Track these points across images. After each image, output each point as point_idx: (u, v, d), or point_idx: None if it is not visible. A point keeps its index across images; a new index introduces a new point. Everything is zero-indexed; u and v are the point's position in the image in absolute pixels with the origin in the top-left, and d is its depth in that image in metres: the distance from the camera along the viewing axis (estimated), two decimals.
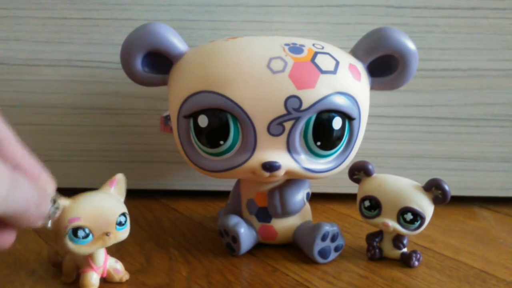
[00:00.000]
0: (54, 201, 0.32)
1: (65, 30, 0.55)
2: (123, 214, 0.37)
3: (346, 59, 0.41)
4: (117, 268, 0.40)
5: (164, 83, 0.44)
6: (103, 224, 0.35)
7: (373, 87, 0.44)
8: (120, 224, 0.36)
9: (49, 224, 0.33)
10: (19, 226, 0.29)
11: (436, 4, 0.54)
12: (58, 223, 0.34)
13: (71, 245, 0.35)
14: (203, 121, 0.40)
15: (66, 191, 0.60)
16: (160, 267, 0.44)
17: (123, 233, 0.37)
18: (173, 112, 0.42)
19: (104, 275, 0.39)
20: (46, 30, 0.55)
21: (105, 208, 0.36)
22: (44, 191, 0.29)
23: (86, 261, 0.38)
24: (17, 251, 0.47)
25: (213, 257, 0.46)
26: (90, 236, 0.35)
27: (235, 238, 0.45)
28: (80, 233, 0.34)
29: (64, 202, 0.34)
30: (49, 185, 0.30)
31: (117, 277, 0.40)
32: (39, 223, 0.31)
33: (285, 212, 0.45)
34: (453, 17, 0.54)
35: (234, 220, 0.45)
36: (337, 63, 0.40)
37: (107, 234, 0.35)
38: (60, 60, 0.56)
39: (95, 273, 0.38)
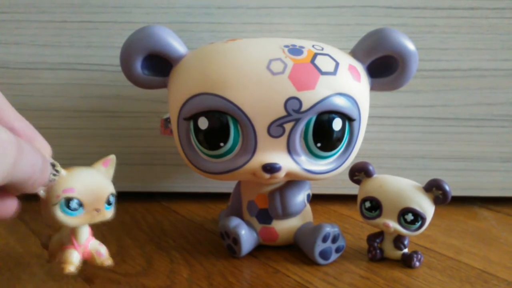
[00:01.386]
0: (53, 166, 0.32)
1: (65, 33, 0.55)
2: (113, 194, 0.37)
3: (346, 60, 0.41)
4: (99, 251, 0.39)
5: (164, 85, 0.44)
6: (95, 200, 0.35)
7: (373, 88, 0.44)
8: (108, 203, 0.36)
9: (42, 191, 0.33)
10: (21, 192, 0.29)
11: (435, 4, 0.54)
12: (49, 191, 0.34)
13: (60, 214, 0.34)
14: (203, 123, 0.40)
15: None
16: (161, 269, 0.44)
17: (109, 213, 0.37)
18: (173, 115, 0.42)
19: (86, 256, 0.39)
20: (45, 34, 0.55)
21: (99, 184, 0.36)
22: (45, 156, 0.29)
23: (69, 238, 0.38)
24: (18, 254, 0.47)
25: (214, 259, 0.46)
26: (81, 209, 0.35)
27: (236, 240, 0.44)
28: (72, 204, 0.34)
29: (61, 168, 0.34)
30: (46, 149, 0.30)
31: (98, 260, 0.39)
32: (40, 189, 0.31)
33: (286, 214, 0.45)
34: (453, 17, 0.54)
35: (235, 222, 0.45)
36: (337, 64, 0.40)
37: (96, 210, 0.35)
38: (60, 64, 0.56)
39: (76, 251, 0.38)
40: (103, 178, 0.37)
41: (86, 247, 0.39)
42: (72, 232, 0.38)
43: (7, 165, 0.24)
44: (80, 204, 0.35)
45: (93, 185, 0.36)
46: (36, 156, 0.27)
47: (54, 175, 0.32)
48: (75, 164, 0.60)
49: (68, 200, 0.34)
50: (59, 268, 0.38)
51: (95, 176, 0.36)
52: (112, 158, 0.39)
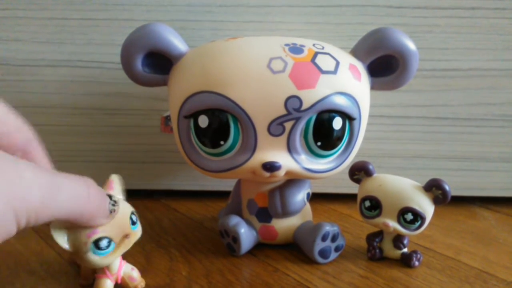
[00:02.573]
0: (110, 197, 0.32)
1: (66, 30, 0.55)
2: (132, 212, 0.36)
3: (347, 59, 0.41)
4: (132, 275, 0.39)
5: (164, 83, 0.44)
6: (121, 229, 0.35)
7: (373, 87, 0.44)
8: (133, 223, 0.36)
9: (66, 245, 0.33)
10: (86, 225, 0.30)
11: (436, 4, 0.54)
12: (74, 242, 0.33)
13: (96, 259, 0.34)
14: (203, 121, 0.40)
15: None
16: (160, 267, 0.44)
17: (138, 231, 0.37)
18: (173, 113, 0.42)
19: (119, 282, 0.38)
20: (46, 31, 0.55)
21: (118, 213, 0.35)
22: (97, 189, 0.29)
23: (101, 267, 0.37)
24: (18, 252, 0.47)
25: (214, 257, 0.46)
26: (112, 244, 0.34)
27: (236, 238, 0.45)
28: (102, 244, 0.33)
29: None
30: (44, 163, 0.31)
31: (131, 285, 0.39)
32: (104, 221, 0.31)
33: (286, 212, 0.45)
34: (454, 17, 0.54)
35: (234, 220, 0.45)
36: (338, 63, 0.40)
37: (126, 236, 0.35)
38: (60, 61, 0.56)
39: (109, 279, 0.37)
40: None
41: (118, 275, 0.38)
42: None
43: (32, 203, 0.24)
44: (110, 240, 0.34)
45: None
46: (80, 189, 0.27)
47: (113, 205, 0.32)
48: (75, 162, 0.60)
49: (96, 242, 0.33)
50: None
51: None
52: (114, 178, 0.38)
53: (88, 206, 0.28)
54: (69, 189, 0.26)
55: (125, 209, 0.36)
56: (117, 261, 0.38)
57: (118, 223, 0.34)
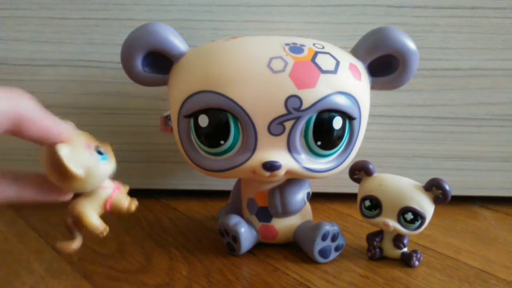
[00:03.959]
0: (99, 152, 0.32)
1: (66, 30, 0.55)
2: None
3: (347, 59, 0.41)
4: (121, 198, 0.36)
5: (164, 83, 0.44)
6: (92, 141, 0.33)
7: (373, 86, 0.44)
8: (99, 153, 0.33)
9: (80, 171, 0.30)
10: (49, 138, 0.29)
11: (436, 3, 0.54)
12: (81, 163, 0.31)
13: (107, 166, 0.32)
14: (203, 121, 0.40)
15: None
16: (160, 267, 0.44)
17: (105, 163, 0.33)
18: (173, 112, 0.42)
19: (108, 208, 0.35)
20: (46, 30, 0.55)
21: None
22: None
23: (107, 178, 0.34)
24: (17, 251, 0.47)
25: (214, 256, 0.46)
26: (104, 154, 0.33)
27: (236, 238, 0.45)
28: (101, 149, 0.33)
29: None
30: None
31: (123, 207, 0.36)
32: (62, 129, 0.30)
33: (286, 212, 0.45)
34: (454, 16, 0.54)
35: (234, 219, 0.45)
36: (338, 62, 0.40)
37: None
38: (61, 60, 0.56)
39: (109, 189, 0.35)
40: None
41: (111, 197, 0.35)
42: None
43: None
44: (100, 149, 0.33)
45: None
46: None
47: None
48: None
49: (97, 151, 0.32)
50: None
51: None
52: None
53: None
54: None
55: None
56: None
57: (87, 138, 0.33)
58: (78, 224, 0.34)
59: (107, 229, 0.34)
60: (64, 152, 0.30)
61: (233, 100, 0.38)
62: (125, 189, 0.37)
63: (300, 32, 0.54)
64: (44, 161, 0.31)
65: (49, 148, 0.30)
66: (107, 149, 0.34)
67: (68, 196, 0.32)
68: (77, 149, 0.31)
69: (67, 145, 0.30)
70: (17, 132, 0.27)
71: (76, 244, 0.35)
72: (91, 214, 0.34)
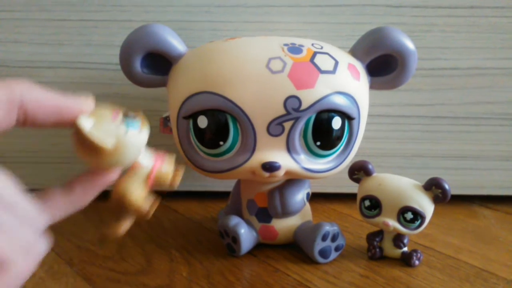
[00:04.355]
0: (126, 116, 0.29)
1: (64, 32, 0.55)
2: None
3: (345, 59, 0.41)
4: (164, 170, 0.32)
5: (163, 84, 0.44)
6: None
7: (372, 86, 0.44)
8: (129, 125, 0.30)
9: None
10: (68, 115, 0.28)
11: (435, 3, 0.54)
12: (109, 133, 0.28)
13: (140, 136, 0.29)
14: (202, 122, 0.40)
15: None
16: (160, 268, 0.44)
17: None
18: (172, 113, 0.42)
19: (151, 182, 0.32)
20: (45, 32, 0.55)
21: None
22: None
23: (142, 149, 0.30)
24: None
25: (214, 257, 0.46)
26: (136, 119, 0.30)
27: (236, 239, 0.44)
28: (131, 114, 0.30)
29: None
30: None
31: (166, 180, 0.32)
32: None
33: (286, 212, 0.45)
34: (452, 16, 0.54)
35: (234, 220, 0.45)
36: (336, 62, 0.40)
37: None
38: (60, 62, 0.56)
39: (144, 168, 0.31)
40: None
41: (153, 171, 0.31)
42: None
43: None
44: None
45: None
46: None
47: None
48: (75, 164, 0.60)
49: (125, 117, 0.29)
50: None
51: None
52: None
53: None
54: None
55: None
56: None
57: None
58: (123, 206, 0.31)
59: (153, 208, 0.31)
60: (85, 124, 0.27)
61: (232, 101, 0.38)
62: (170, 159, 0.32)
63: (299, 33, 0.54)
64: (74, 144, 0.29)
65: (73, 126, 0.28)
66: (138, 117, 0.31)
67: (112, 175, 0.29)
68: (101, 120, 0.28)
69: (88, 117, 0.28)
70: (31, 120, 0.26)
71: (124, 227, 0.32)
72: (133, 193, 0.31)
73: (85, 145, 0.28)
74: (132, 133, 0.29)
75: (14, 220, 0.24)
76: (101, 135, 0.27)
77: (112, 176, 0.29)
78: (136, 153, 0.30)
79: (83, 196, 0.29)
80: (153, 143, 0.60)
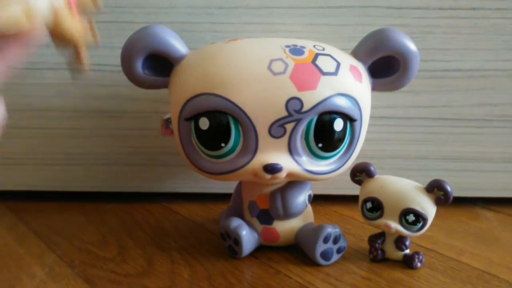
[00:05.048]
0: None
1: None
2: None
3: (347, 61, 0.41)
4: None
5: (164, 85, 0.44)
6: None
7: (374, 88, 0.44)
8: None
9: None
10: None
11: (436, 4, 0.54)
12: None
13: None
14: (204, 123, 0.40)
15: (67, 195, 0.60)
16: (162, 270, 0.44)
17: None
18: (174, 115, 0.42)
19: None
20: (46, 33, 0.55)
21: None
22: None
23: None
24: (19, 255, 0.47)
25: (215, 259, 0.46)
26: None
27: (237, 241, 0.44)
28: None
29: None
30: None
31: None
32: None
33: (287, 214, 0.45)
34: (454, 17, 0.54)
35: (235, 222, 0.45)
36: (338, 64, 0.40)
37: None
38: (61, 64, 0.56)
39: None
40: None
41: None
42: None
43: None
44: None
45: None
46: None
47: None
48: (76, 165, 0.60)
49: None
50: None
51: None
52: None
53: None
54: None
55: None
56: None
57: None
58: (64, 40, 0.30)
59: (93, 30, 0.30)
60: None
61: (234, 102, 0.38)
62: None
63: (300, 34, 0.54)
64: None
65: None
66: None
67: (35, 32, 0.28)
68: None
69: None
70: None
71: (83, 57, 0.33)
72: (64, 24, 0.30)
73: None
74: None
75: None
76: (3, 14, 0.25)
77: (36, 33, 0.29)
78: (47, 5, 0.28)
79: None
80: (154, 145, 0.60)
